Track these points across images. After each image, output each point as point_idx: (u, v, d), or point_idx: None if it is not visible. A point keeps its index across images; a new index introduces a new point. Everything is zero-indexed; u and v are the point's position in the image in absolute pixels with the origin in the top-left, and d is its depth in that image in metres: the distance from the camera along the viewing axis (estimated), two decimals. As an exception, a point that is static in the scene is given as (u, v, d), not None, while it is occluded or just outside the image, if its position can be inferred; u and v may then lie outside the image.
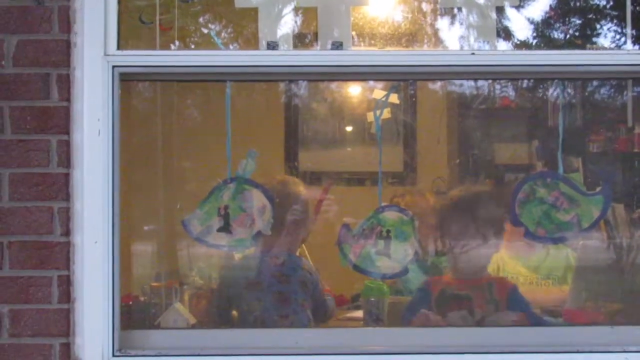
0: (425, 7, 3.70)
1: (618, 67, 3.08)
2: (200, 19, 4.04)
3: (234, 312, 3.82)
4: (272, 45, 3.11)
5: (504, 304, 3.62)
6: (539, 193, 3.36)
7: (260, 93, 4.35)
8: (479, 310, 3.61)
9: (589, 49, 4.71)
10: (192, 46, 3.82)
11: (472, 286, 3.67)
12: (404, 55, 3.08)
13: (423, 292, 3.80)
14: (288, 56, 3.07)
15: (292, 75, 3.42)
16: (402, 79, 3.95)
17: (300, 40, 3.53)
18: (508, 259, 4.24)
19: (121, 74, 2.94)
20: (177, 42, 3.29)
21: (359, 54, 3.14)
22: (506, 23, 4.59)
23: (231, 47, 4.00)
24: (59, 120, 2.88)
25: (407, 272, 3.51)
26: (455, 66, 3.04)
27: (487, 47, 3.19)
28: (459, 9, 3.34)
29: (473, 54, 3.04)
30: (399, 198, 4.38)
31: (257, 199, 3.41)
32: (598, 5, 4.83)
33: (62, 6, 2.89)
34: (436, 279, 3.83)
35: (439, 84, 5.77)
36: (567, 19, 4.94)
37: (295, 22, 3.49)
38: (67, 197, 2.88)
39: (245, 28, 3.65)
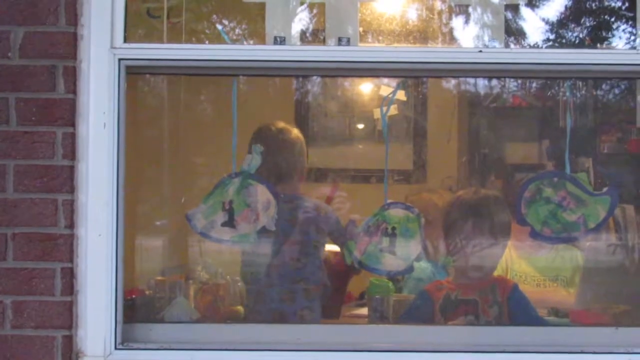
0: (434, 4, 3.69)
1: (629, 67, 3.06)
2: (208, 14, 4.03)
3: (242, 307, 3.81)
4: (280, 40, 3.10)
5: (505, 304, 3.59)
6: (545, 192, 3.34)
7: (268, 89, 4.35)
8: (485, 314, 3.58)
9: (600, 48, 4.68)
10: (200, 41, 3.81)
11: (475, 289, 3.63)
12: (411, 52, 3.06)
13: (423, 299, 3.73)
14: (295, 51, 3.07)
15: (299, 70, 3.41)
16: (408, 76, 3.93)
17: (308, 35, 3.52)
18: (517, 257, 4.22)
19: (127, 67, 2.94)
20: (184, 37, 3.28)
21: (366, 49, 3.12)
22: (516, 22, 4.58)
23: (239, 42, 3.99)
24: (65, 113, 2.88)
25: (413, 270, 3.50)
26: (462, 63, 3.02)
27: (496, 45, 3.18)
28: (468, 7, 3.32)
29: (481, 51, 3.02)
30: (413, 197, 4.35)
31: (261, 194, 3.41)
32: (610, 5, 4.80)
33: (69, -2, 2.89)
34: (435, 284, 3.77)
35: (450, 82, 5.74)
36: (578, 19, 4.92)
37: (303, 17, 3.49)
38: (72, 189, 2.88)
39: (253, 23, 3.64)
